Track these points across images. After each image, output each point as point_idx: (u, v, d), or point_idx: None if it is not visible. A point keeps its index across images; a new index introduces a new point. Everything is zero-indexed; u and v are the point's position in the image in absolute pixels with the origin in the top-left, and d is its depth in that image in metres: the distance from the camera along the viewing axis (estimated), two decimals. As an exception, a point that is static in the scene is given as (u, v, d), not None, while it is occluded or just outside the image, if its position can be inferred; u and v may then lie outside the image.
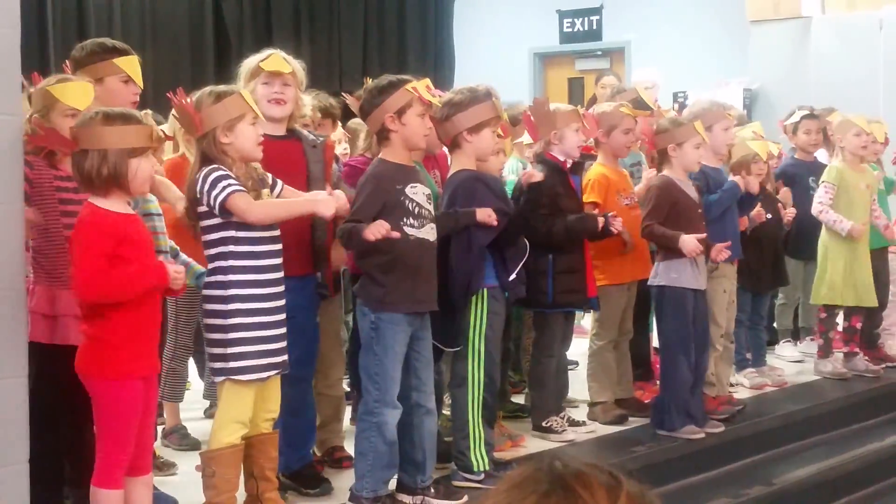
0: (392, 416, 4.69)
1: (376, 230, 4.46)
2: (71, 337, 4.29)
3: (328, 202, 4.37)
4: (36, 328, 4.33)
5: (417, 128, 4.77)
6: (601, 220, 5.80)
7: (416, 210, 4.72)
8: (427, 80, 4.94)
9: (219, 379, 4.42)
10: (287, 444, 4.99)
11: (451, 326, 5.07)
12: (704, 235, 5.93)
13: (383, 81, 4.83)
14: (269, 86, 4.96)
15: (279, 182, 4.55)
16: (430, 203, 4.79)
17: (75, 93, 4.49)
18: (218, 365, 4.38)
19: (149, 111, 5.59)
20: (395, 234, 4.54)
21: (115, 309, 3.96)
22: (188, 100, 4.36)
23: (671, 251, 5.94)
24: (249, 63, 5.04)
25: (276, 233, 4.44)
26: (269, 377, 4.41)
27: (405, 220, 4.68)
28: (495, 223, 5.04)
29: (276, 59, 5.00)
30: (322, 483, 5.05)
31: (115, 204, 4.01)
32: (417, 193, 4.74)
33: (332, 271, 5.19)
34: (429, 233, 4.79)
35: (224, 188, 4.23)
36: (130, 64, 4.93)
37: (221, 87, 4.48)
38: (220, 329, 4.34)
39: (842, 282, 7.50)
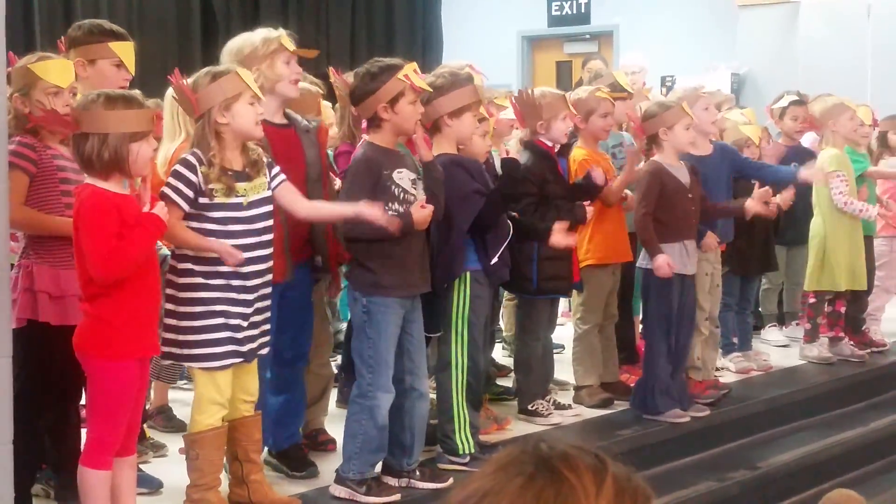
0: (385, 400, 4.69)
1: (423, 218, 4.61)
2: (72, 316, 4.28)
3: (234, 254, 4.22)
4: (43, 308, 4.32)
5: (409, 115, 4.74)
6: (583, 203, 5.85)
7: (402, 195, 4.70)
8: (414, 65, 4.91)
9: (166, 362, 4.43)
10: (275, 422, 5.01)
11: (432, 311, 5.06)
12: (667, 260, 5.95)
13: (374, 67, 4.79)
14: (291, 66, 4.90)
15: (280, 176, 4.48)
16: (415, 188, 4.77)
17: (57, 70, 4.46)
18: (168, 349, 4.33)
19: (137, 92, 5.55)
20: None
21: (118, 288, 3.95)
22: (186, 81, 4.34)
23: (663, 236, 5.95)
24: (263, 39, 4.86)
25: (254, 225, 4.38)
26: (227, 365, 4.35)
27: (390, 204, 4.66)
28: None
29: (288, 39, 4.91)
30: (308, 467, 5.05)
31: (113, 185, 4.00)
32: (403, 179, 4.72)
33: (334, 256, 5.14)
34: None
35: (167, 185, 4.23)
36: (125, 49, 4.90)
37: (218, 67, 4.45)
38: (178, 316, 4.30)
39: (842, 267, 7.50)
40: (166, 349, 4.34)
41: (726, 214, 6.52)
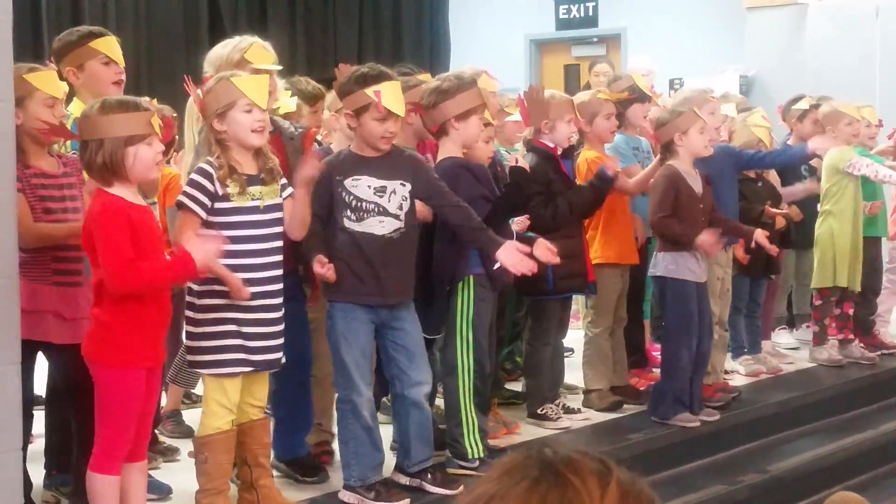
0: (362, 400, 4.70)
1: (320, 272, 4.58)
2: (51, 333, 4.27)
3: (241, 290, 4.25)
4: None
5: (373, 130, 4.69)
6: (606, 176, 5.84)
7: (354, 203, 4.68)
8: (427, 75, 4.91)
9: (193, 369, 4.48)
10: (286, 433, 5.04)
11: (432, 314, 5.06)
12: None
13: (358, 73, 4.78)
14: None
15: (289, 189, 4.48)
16: (380, 196, 4.71)
17: (51, 81, 4.49)
18: (191, 357, 4.43)
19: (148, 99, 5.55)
20: (323, 272, 4.58)
21: (126, 295, 3.96)
22: (194, 88, 4.39)
23: (676, 244, 5.94)
24: (229, 53, 4.85)
25: (268, 230, 4.41)
26: (237, 373, 4.39)
27: (343, 212, 4.67)
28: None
29: (259, 51, 4.87)
30: (319, 472, 5.05)
31: (122, 192, 4.01)
32: (359, 187, 4.68)
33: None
34: (374, 226, 4.69)
35: (182, 193, 4.28)
36: (108, 45, 4.89)
37: (224, 73, 4.48)
38: (194, 322, 4.37)
39: (843, 265, 7.50)
40: (191, 357, 4.43)
41: (734, 233, 6.43)
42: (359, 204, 4.69)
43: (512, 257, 4.71)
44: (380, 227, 4.71)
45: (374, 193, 4.71)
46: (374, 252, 4.69)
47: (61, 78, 4.85)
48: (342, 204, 4.68)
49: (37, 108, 4.37)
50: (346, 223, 4.67)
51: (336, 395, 5.44)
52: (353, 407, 4.69)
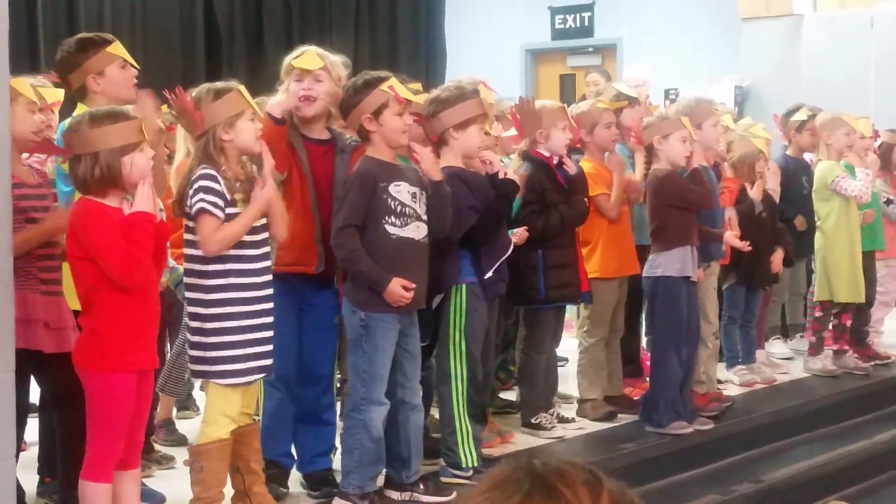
0: (378, 413, 4.69)
1: (396, 296, 4.59)
2: (41, 342, 4.26)
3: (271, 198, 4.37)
4: None
5: (395, 127, 4.75)
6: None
7: (399, 209, 4.71)
8: (419, 86, 4.93)
9: (198, 379, 4.45)
10: (300, 444, 5.04)
11: (421, 322, 5.07)
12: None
13: (360, 81, 4.83)
14: (300, 82, 4.93)
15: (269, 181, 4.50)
16: (414, 201, 4.78)
17: (29, 88, 4.49)
18: (199, 367, 4.39)
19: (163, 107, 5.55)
20: (408, 295, 4.62)
21: (113, 301, 3.97)
22: (188, 98, 4.38)
23: (675, 241, 5.95)
24: (285, 61, 5.04)
25: (263, 236, 4.43)
26: (252, 381, 4.41)
27: (387, 218, 4.68)
28: None
29: (307, 55, 4.98)
30: (323, 487, 5.00)
31: (112, 201, 4.03)
32: (401, 192, 4.73)
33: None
34: (414, 231, 4.76)
35: (199, 200, 4.25)
36: (121, 49, 4.94)
37: (220, 84, 4.49)
38: (202, 332, 4.34)
39: (842, 280, 7.52)
40: (198, 367, 4.39)
41: (706, 238, 6.37)
42: (402, 209, 4.72)
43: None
44: (417, 231, 4.77)
45: (412, 199, 4.75)
46: (413, 258, 4.75)
47: (67, 88, 4.87)
48: (386, 209, 4.69)
49: (22, 112, 4.38)
50: (391, 229, 4.69)
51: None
52: (369, 419, 4.68)
